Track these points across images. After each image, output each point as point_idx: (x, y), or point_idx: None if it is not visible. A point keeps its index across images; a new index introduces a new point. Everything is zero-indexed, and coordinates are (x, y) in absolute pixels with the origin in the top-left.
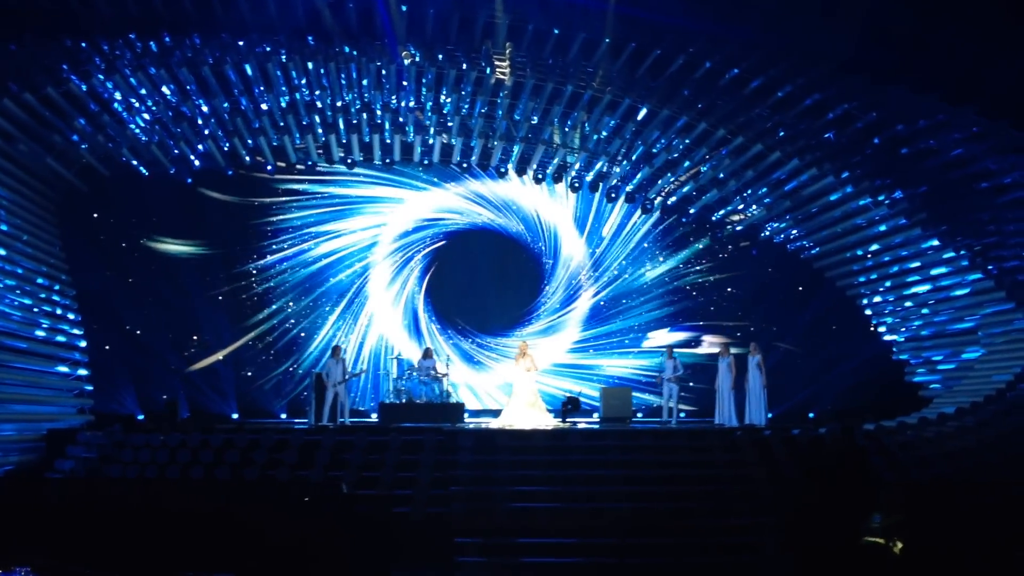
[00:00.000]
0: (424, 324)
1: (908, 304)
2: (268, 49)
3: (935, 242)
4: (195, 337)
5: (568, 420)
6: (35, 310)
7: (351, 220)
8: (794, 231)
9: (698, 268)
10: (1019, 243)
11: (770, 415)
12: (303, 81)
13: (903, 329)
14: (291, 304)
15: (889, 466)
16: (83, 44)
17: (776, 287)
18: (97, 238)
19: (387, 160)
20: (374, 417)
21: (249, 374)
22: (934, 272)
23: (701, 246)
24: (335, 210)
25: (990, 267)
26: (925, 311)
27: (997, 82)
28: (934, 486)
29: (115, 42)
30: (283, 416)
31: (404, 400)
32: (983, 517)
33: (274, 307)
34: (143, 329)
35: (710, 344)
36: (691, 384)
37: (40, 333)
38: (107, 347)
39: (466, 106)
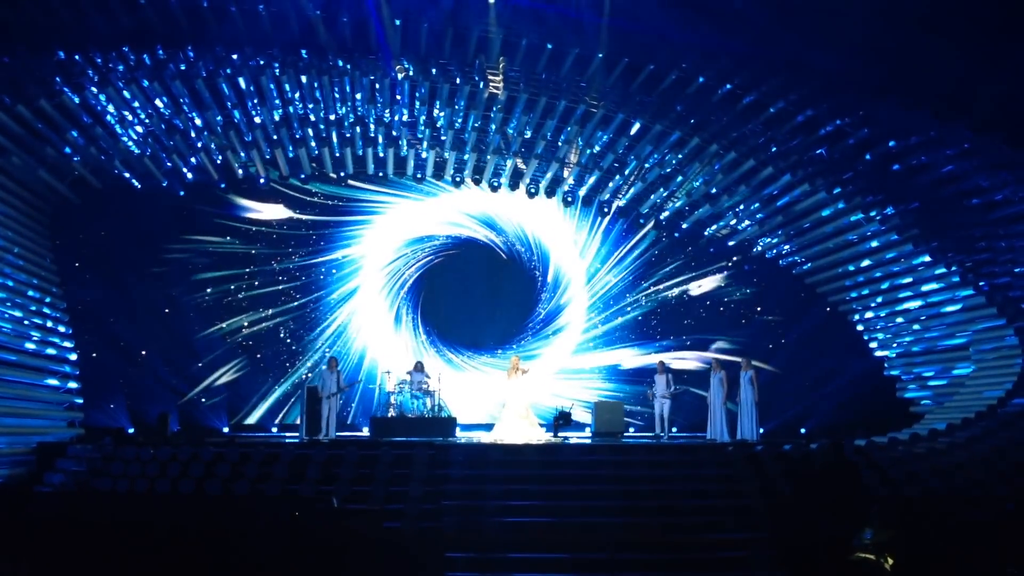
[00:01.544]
0: (416, 338)
1: (899, 320)
2: (262, 62)
3: (926, 258)
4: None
5: (560, 434)
6: (25, 322)
7: (344, 234)
8: (786, 246)
9: (688, 283)
10: (1010, 259)
11: (762, 430)
12: (297, 95)
13: (894, 345)
14: (282, 317)
15: (881, 482)
16: (76, 56)
17: (768, 302)
18: (89, 250)
19: (380, 174)
20: (365, 431)
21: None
22: (925, 288)
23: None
24: (329, 225)
25: (981, 283)
26: (916, 327)
27: (987, 98)
28: (925, 502)
29: (108, 55)
30: (274, 430)
31: (396, 414)
32: (974, 533)
33: (265, 318)
34: (134, 342)
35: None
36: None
37: (30, 346)
38: (97, 360)
39: (459, 120)
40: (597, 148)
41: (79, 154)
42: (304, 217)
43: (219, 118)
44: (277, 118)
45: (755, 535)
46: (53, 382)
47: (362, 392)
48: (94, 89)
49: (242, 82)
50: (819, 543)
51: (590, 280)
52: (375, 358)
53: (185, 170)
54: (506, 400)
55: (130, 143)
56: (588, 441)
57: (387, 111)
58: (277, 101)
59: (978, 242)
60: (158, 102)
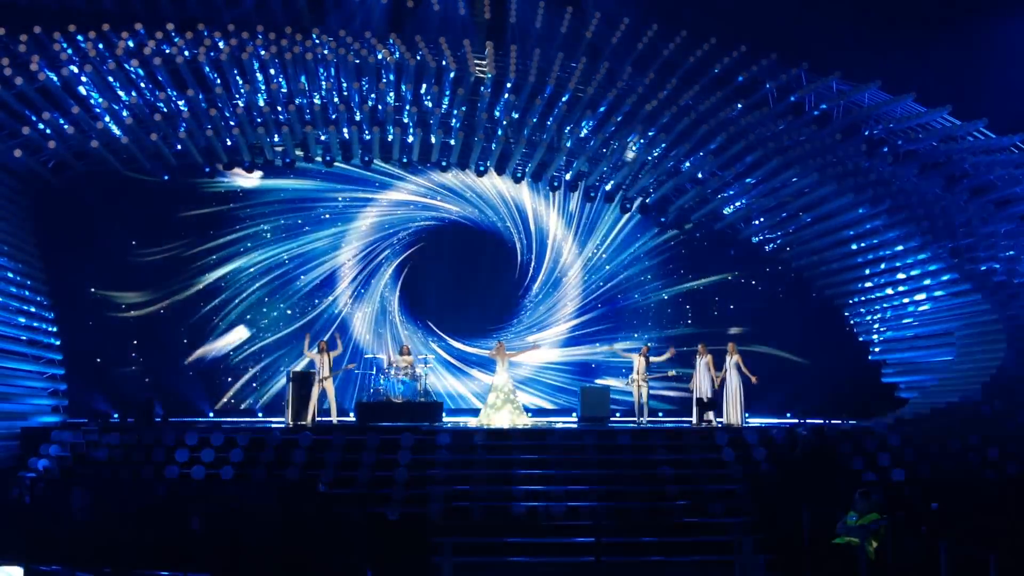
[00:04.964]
0: (400, 323)
1: (884, 305)
2: (246, 44)
3: (912, 243)
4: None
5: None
6: (9, 308)
7: (324, 219)
8: (772, 232)
9: (679, 271)
10: (994, 244)
11: (747, 415)
12: (281, 77)
13: (880, 330)
14: (270, 301)
15: (866, 466)
16: (57, 37)
17: (756, 289)
18: (71, 235)
19: (366, 159)
20: (352, 416)
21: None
22: (911, 273)
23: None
24: (306, 209)
25: (966, 268)
26: (901, 312)
27: (973, 84)
28: (910, 486)
29: (89, 35)
30: (260, 415)
31: (381, 399)
32: (959, 517)
33: (246, 305)
34: (118, 327)
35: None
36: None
37: (14, 331)
38: (82, 345)
39: (446, 103)
40: (584, 131)
41: (61, 137)
42: (287, 200)
43: (202, 100)
44: (261, 102)
45: (740, 519)
46: (37, 367)
47: (350, 377)
48: (75, 70)
49: (227, 64)
50: (804, 527)
51: (584, 268)
52: (362, 343)
53: (168, 153)
54: (492, 385)
55: (113, 126)
56: (574, 426)
57: (373, 94)
58: (261, 84)
59: (963, 227)
60: (141, 84)
